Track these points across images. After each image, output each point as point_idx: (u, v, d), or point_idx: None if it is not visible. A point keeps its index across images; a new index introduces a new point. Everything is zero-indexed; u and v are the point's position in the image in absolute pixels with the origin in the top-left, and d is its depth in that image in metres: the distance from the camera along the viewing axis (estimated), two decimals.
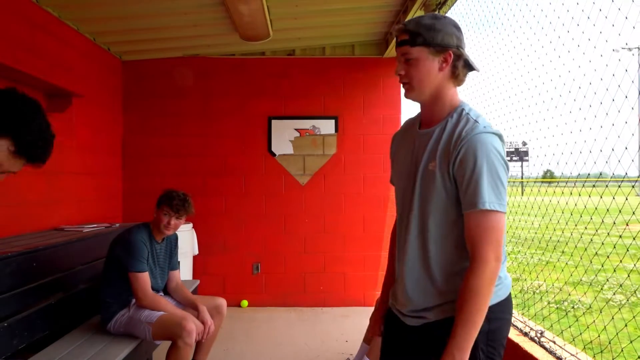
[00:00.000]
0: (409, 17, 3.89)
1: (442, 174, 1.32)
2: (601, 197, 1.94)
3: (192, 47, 4.80)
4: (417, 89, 1.38)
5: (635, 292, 5.40)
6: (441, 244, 1.36)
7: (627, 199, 1.88)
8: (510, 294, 1.43)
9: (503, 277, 1.40)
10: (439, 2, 3.47)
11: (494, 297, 1.32)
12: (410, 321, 1.45)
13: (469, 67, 1.40)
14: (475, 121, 1.33)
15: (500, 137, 1.33)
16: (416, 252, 1.40)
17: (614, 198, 1.90)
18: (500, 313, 1.37)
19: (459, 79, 1.39)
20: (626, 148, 1.68)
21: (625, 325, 2.34)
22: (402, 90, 1.43)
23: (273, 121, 5.01)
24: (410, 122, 1.55)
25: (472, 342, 1.25)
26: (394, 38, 4.54)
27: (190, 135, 4.97)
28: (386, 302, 1.61)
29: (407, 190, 1.42)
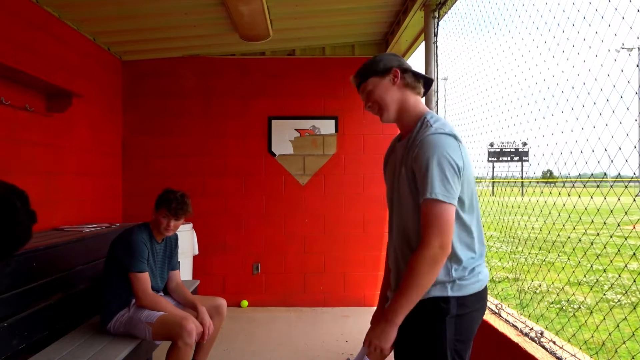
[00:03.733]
0: (408, 18, 3.89)
1: (406, 174, 1.52)
2: (605, 198, 1.94)
3: (192, 47, 4.80)
4: (385, 108, 1.60)
5: (627, 291, 5.40)
6: (417, 236, 1.49)
7: (619, 199, 1.88)
8: (486, 287, 1.59)
9: (478, 272, 1.54)
10: (439, 2, 3.46)
11: (469, 289, 1.50)
12: None
13: (419, 76, 1.63)
14: (431, 125, 1.51)
15: (452, 136, 1.49)
16: (399, 245, 1.58)
17: (619, 199, 1.90)
18: (472, 304, 1.52)
19: (412, 86, 1.61)
20: (635, 147, 1.68)
21: (617, 327, 2.34)
22: (380, 119, 1.64)
23: (273, 121, 5.02)
24: (395, 140, 1.75)
25: (405, 310, 1.44)
26: (394, 38, 4.55)
27: (190, 135, 4.97)
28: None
29: (392, 195, 1.63)
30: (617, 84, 1.72)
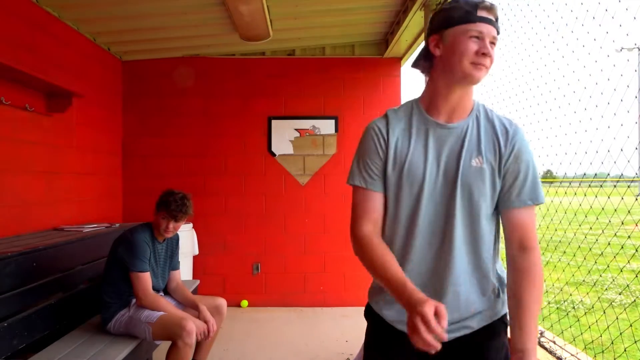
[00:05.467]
0: (408, 18, 3.88)
1: (491, 169, 1.29)
2: (609, 197, 1.93)
3: (192, 47, 4.80)
4: (489, 70, 1.28)
5: (623, 291, 5.39)
6: (488, 243, 1.33)
7: (622, 199, 1.88)
8: None
9: None
10: (439, 2, 3.46)
11: None
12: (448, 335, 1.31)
13: None
14: (509, 120, 1.34)
15: None
16: (466, 256, 1.31)
17: (622, 198, 1.90)
18: None
19: None
20: (636, 148, 1.68)
21: (630, 326, 2.33)
22: (474, 71, 1.25)
23: (273, 121, 5.02)
24: (408, 113, 1.36)
25: (536, 334, 1.25)
26: (394, 38, 4.53)
27: (190, 135, 4.97)
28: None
29: (440, 192, 1.30)
30: (615, 85, 1.72)
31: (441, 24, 1.29)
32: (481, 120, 1.32)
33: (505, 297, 1.34)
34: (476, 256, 1.32)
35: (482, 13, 1.24)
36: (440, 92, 1.31)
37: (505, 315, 1.36)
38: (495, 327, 1.35)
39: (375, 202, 1.35)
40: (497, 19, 1.27)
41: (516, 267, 1.29)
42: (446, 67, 1.28)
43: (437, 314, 1.07)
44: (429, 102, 1.34)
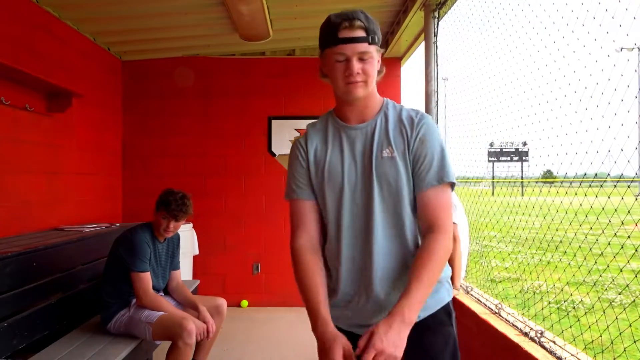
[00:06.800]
0: (408, 18, 3.88)
1: (402, 156, 1.33)
2: (623, 198, 1.92)
3: (192, 47, 4.80)
4: (369, 86, 1.32)
5: (623, 291, 5.39)
6: (413, 230, 1.37)
7: (622, 199, 1.88)
8: None
9: None
10: (439, 2, 3.46)
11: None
12: None
13: None
14: (416, 110, 1.39)
15: None
16: (391, 248, 1.35)
17: (622, 198, 1.89)
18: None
19: (380, 71, 1.36)
20: (636, 148, 1.68)
21: (630, 325, 2.33)
22: (350, 89, 1.30)
23: (273, 121, 5.02)
24: (324, 124, 1.45)
25: (421, 304, 1.22)
26: (394, 38, 4.54)
27: (190, 135, 4.97)
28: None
29: (360, 187, 1.35)
30: (618, 85, 1.72)
31: (319, 45, 1.34)
32: (389, 115, 1.37)
33: (448, 285, 1.44)
34: (402, 247, 1.36)
35: (343, 33, 1.25)
36: (343, 102, 1.38)
37: (448, 304, 1.42)
38: (437, 317, 1.38)
39: (307, 210, 1.43)
40: (364, 28, 1.26)
41: (421, 246, 1.32)
42: (332, 84, 1.34)
43: (345, 356, 1.18)
44: (339, 111, 1.42)
